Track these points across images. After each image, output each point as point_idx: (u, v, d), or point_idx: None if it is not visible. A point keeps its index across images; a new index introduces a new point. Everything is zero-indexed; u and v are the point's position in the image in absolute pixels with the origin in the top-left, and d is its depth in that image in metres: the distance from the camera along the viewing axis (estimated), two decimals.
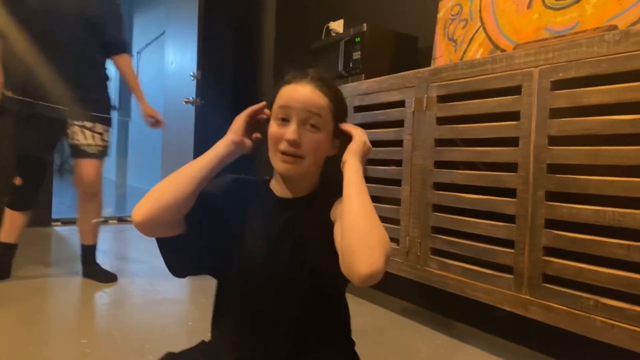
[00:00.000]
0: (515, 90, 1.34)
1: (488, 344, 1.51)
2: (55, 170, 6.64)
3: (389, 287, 2.07)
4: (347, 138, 0.90)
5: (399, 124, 1.73)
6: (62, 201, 4.58)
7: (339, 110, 0.88)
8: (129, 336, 1.52)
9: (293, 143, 0.82)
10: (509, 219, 1.35)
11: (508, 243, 1.35)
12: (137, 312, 1.74)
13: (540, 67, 1.27)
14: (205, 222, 0.85)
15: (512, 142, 1.35)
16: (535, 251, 1.28)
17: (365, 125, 1.90)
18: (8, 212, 2.12)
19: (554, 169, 1.25)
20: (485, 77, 1.43)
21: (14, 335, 1.45)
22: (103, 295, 1.93)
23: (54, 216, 3.53)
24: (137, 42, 7.50)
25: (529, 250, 1.29)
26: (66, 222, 3.63)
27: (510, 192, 1.35)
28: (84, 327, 1.57)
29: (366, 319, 1.73)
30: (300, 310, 0.86)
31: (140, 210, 0.76)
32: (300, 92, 0.84)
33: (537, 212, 1.27)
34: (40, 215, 3.40)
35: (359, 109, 1.94)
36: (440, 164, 1.59)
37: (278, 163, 0.85)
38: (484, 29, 1.81)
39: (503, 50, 1.71)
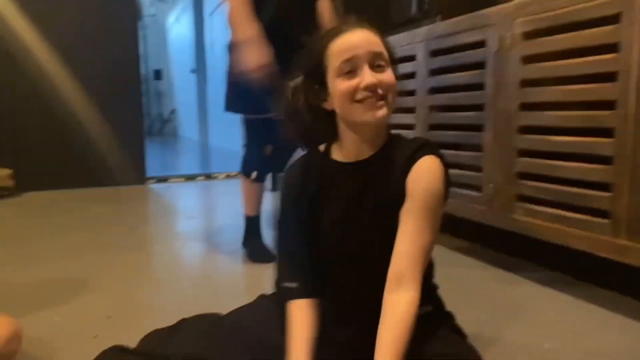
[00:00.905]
0: (614, 20, 1.21)
1: (580, 291, 1.47)
2: (146, 132, 7.12)
3: (474, 235, 2.05)
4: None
5: (480, 65, 1.65)
6: (153, 161, 4.95)
7: (388, 44, 0.87)
8: (225, 280, 1.67)
9: (374, 87, 0.80)
10: (606, 160, 1.26)
11: (604, 187, 1.28)
12: (230, 259, 1.88)
13: None
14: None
15: (609, 78, 1.24)
16: (636, 194, 1.19)
17: (443, 70, 1.84)
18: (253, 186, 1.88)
19: None
20: (577, 7, 1.30)
21: (125, 282, 1.63)
22: (199, 246, 2.10)
23: (147, 174, 3.84)
24: (208, 4, 7.64)
25: (629, 193, 1.21)
26: (160, 179, 3.93)
27: (606, 133, 1.26)
28: (185, 274, 1.74)
29: (451, 268, 1.73)
30: (384, 272, 0.87)
31: None
32: (358, 37, 0.82)
33: (638, 153, 1.18)
34: (136, 173, 3.73)
35: (436, 53, 1.86)
36: (527, 106, 1.50)
37: (365, 114, 0.82)
38: None
39: None
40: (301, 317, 0.87)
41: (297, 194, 0.92)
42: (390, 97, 0.82)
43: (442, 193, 0.84)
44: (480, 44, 1.65)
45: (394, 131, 0.92)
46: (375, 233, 0.87)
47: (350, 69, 0.81)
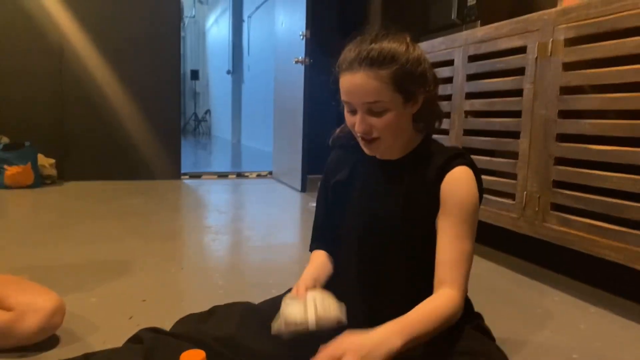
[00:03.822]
0: None
1: (613, 304, 1.43)
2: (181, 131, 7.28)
3: (504, 243, 2.02)
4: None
5: (519, 72, 1.64)
6: (187, 158, 5.08)
7: (406, 77, 0.82)
8: (253, 272, 1.70)
9: (363, 134, 0.86)
10: None
11: None
12: (258, 253, 1.91)
13: None
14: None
15: None
16: None
17: (480, 75, 1.83)
18: None
19: None
20: (624, 13, 1.28)
21: (159, 269, 1.69)
22: (229, 239, 2.14)
23: (182, 170, 3.94)
24: (247, 7, 7.79)
25: None
26: (192, 175, 4.03)
27: None
28: (216, 264, 1.78)
29: (480, 275, 1.71)
30: (403, 268, 0.91)
31: None
32: (354, 84, 0.83)
33: None
34: (171, 169, 3.83)
35: (474, 58, 1.86)
36: (565, 114, 1.48)
37: (362, 146, 0.90)
38: None
39: None
40: (317, 257, 1.00)
41: (331, 175, 1.02)
42: (385, 137, 0.86)
43: (477, 202, 0.87)
44: (520, 50, 1.64)
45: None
46: (397, 229, 0.90)
47: (349, 108, 0.87)
